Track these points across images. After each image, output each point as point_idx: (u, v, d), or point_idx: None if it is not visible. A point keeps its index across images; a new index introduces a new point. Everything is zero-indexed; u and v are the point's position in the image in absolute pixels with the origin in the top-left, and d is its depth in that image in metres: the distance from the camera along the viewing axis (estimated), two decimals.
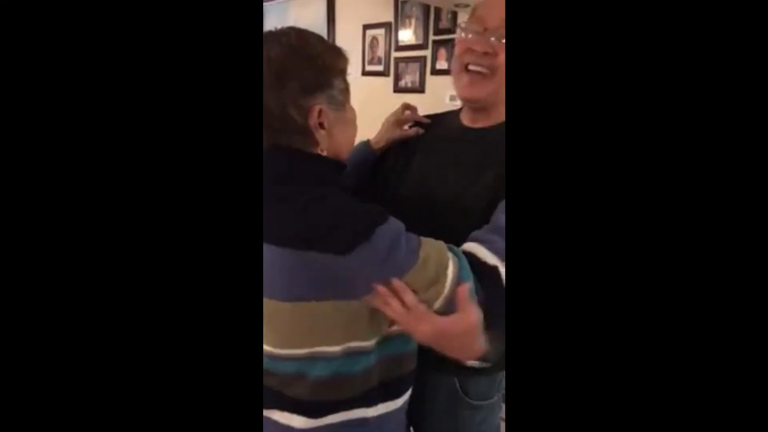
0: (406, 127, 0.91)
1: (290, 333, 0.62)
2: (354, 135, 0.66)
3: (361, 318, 0.60)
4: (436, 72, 2.71)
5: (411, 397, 0.73)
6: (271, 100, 0.56)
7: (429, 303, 0.57)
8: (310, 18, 3.44)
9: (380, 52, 2.94)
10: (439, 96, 2.73)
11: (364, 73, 3.03)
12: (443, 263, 0.57)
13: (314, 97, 0.57)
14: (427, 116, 0.92)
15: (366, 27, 2.96)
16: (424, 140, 0.88)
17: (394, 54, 2.85)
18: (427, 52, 2.72)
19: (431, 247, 0.58)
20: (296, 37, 0.59)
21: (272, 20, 3.87)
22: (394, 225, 0.57)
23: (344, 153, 0.65)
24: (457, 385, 0.82)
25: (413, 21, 2.69)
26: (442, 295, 0.57)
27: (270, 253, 0.55)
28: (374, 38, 2.94)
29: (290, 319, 0.60)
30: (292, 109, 0.56)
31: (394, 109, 0.92)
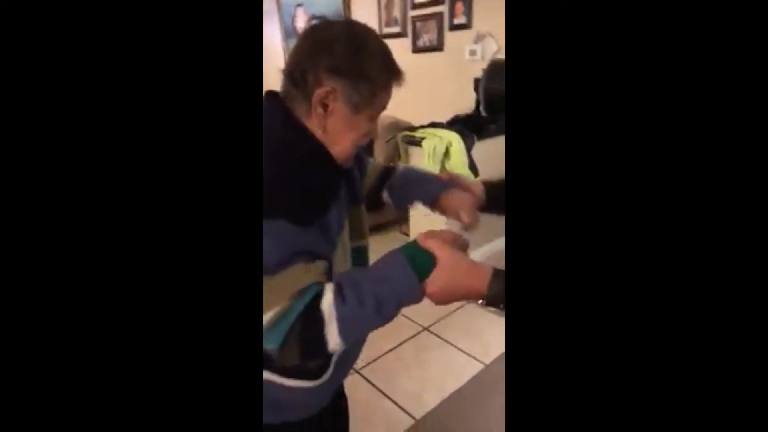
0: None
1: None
2: (346, 146, 0.63)
3: None
4: (453, 27, 2.64)
5: None
6: (294, 60, 0.59)
7: None
8: None
9: (396, 12, 2.89)
10: (458, 52, 2.69)
11: (382, 37, 2.99)
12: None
13: (334, 80, 0.58)
14: None
15: None
16: None
17: (411, 13, 2.80)
18: (444, 8, 2.66)
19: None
20: (361, 28, 0.61)
21: None
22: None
23: (335, 151, 0.63)
24: None
25: None
26: None
27: None
28: None
29: None
30: (310, 77, 0.58)
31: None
